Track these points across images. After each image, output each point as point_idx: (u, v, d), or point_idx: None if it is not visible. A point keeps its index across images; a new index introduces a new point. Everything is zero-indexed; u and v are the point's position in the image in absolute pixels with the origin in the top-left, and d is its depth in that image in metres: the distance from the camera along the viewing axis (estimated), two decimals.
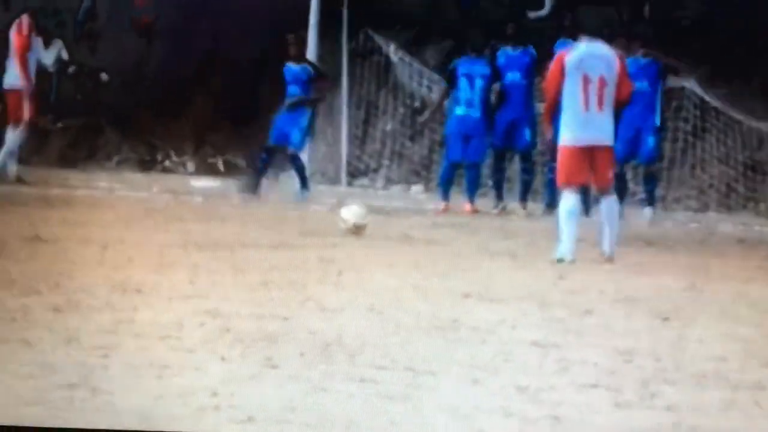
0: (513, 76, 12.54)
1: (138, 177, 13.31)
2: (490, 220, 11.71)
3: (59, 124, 14.09)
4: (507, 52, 12.68)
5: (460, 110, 12.53)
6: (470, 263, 8.67)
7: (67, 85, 13.67)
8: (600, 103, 8.62)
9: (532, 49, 12.65)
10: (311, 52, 14.13)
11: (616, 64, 8.76)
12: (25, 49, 12.89)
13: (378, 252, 9.04)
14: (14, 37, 12.92)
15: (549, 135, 9.26)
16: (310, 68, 13.01)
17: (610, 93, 8.67)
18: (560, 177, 8.75)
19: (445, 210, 12.26)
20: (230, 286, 7.40)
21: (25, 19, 13.02)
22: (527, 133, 12.48)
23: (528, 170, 12.61)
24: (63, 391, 4.85)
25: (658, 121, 12.27)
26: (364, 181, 14.82)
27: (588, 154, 8.66)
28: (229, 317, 6.46)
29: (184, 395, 4.94)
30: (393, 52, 14.46)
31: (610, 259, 8.71)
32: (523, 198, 12.55)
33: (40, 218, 9.72)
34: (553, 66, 8.82)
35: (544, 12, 15.26)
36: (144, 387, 5.03)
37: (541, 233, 9.59)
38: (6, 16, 15.06)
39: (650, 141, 12.20)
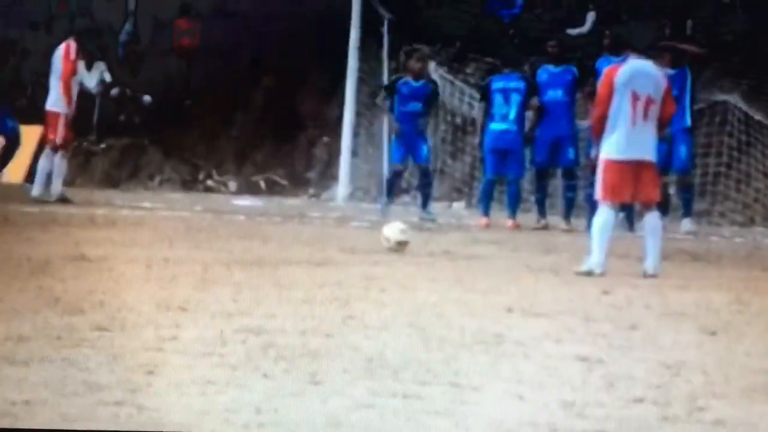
0: (555, 94, 12.52)
1: (180, 196, 13.39)
2: (532, 236, 11.67)
3: (102, 145, 14.21)
4: (549, 69, 12.66)
5: (495, 126, 12.54)
6: (512, 278, 8.63)
7: (110, 106, 13.76)
8: (646, 120, 8.74)
9: (573, 67, 12.64)
10: (352, 70, 14.18)
11: (663, 83, 8.92)
12: (71, 73, 13.00)
13: (420, 268, 9.03)
14: (62, 62, 13.02)
15: (596, 150, 9.28)
16: (431, 84, 12.97)
17: (655, 111, 8.79)
18: (603, 191, 8.79)
19: (486, 225, 12.24)
20: (273, 303, 7.40)
21: (72, 43, 13.11)
22: (570, 151, 12.45)
23: (571, 188, 12.56)
24: (108, 408, 4.86)
25: (688, 124, 12.22)
26: (406, 198, 14.84)
27: (634, 169, 8.74)
28: (273, 334, 6.45)
29: (228, 412, 4.93)
30: (434, 69, 14.48)
31: (654, 276, 8.70)
32: (567, 215, 12.50)
33: (84, 238, 9.78)
34: (602, 81, 8.95)
35: (584, 29, 15.24)
36: (188, 404, 5.03)
37: (584, 249, 9.51)
38: (48, 38, 15.25)
39: (683, 150, 12.16)
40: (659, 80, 8.89)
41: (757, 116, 13.78)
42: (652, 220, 8.82)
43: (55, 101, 12.99)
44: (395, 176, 12.94)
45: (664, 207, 12.40)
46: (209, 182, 15.38)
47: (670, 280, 8.66)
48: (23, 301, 7.02)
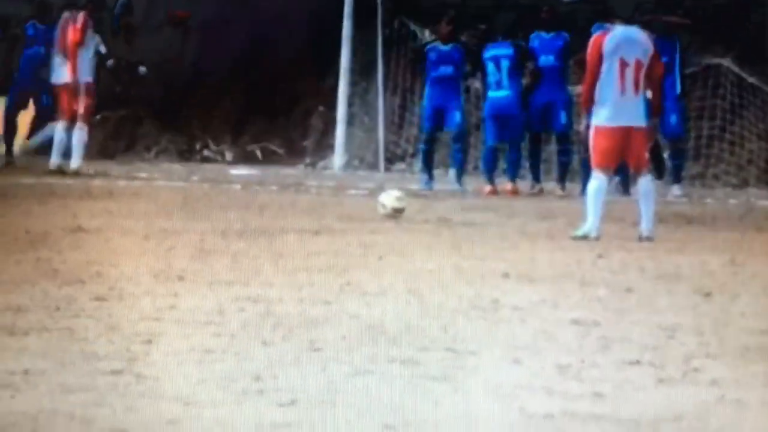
0: (547, 60, 12.54)
1: (177, 167, 13.40)
2: (528, 202, 11.70)
3: (98, 117, 14.19)
4: (541, 36, 12.69)
5: (492, 93, 12.57)
6: (509, 244, 8.69)
7: (106, 78, 13.73)
8: (636, 86, 8.85)
9: (565, 33, 12.65)
10: (346, 41, 14.16)
11: (650, 47, 9.00)
12: (77, 44, 12.90)
13: (417, 236, 9.07)
14: (69, 32, 12.93)
15: (587, 119, 9.30)
16: (461, 47, 12.78)
17: (643, 76, 8.88)
18: (596, 157, 8.90)
19: (492, 192, 12.28)
20: (271, 271, 7.43)
21: (80, 14, 13.03)
22: (563, 115, 12.48)
23: (565, 152, 12.60)
24: (107, 378, 4.90)
25: (678, 91, 12.27)
26: (402, 165, 14.86)
27: (624, 135, 8.85)
28: (271, 302, 6.49)
29: (227, 380, 4.97)
30: (428, 38, 14.46)
31: (649, 239, 8.76)
32: (561, 179, 12.54)
33: (82, 209, 9.82)
34: (590, 50, 9.04)
35: None
36: (187, 372, 5.07)
37: (580, 214, 9.55)
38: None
39: (674, 118, 12.23)
40: (647, 45, 8.99)
41: (750, 79, 13.82)
42: (645, 183, 8.93)
43: (59, 74, 12.95)
44: (429, 145, 12.69)
45: (659, 171, 12.50)
46: (206, 152, 15.37)
47: (666, 243, 8.71)
48: (22, 273, 7.06)
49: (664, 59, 12.13)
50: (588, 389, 5.06)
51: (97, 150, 14.64)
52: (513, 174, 12.50)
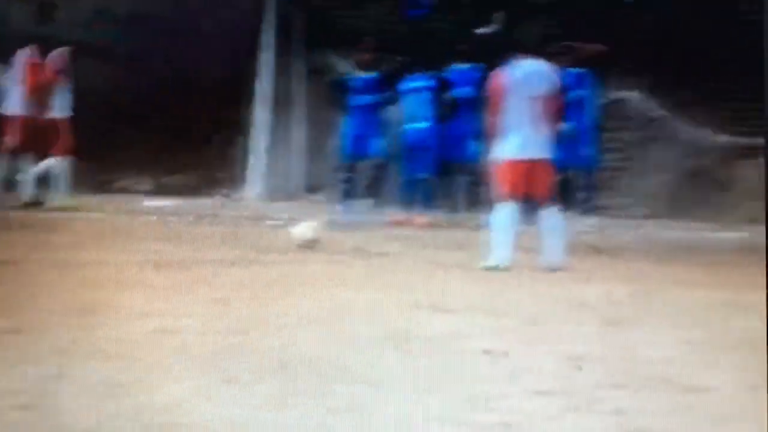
0: (463, 91, 12.69)
1: (94, 198, 13.30)
2: (440, 233, 11.81)
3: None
4: (458, 68, 12.86)
5: (408, 125, 12.66)
6: (422, 275, 8.78)
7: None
8: (541, 119, 8.92)
9: (482, 65, 12.83)
10: (266, 71, 14.21)
11: (556, 80, 9.10)
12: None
13: (332, 266, 9.14)
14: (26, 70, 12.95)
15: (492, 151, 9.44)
16: (381, 75, 12.71)
17: (549, 109, 8.98)
18: (500, 190, 8.96)
19: (407, 223, 12.38)
20: (186, 303, 7.44)
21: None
22: (476, 147, 12.60)
23: (476, 183, 12.72)
24: (15, 413, 4.88)
25: (594, 124, 12.50)
26: (319, 196, 14.91)
27: (529, 167, 8.92)
28: (186, 334, 6.51)
29: (139, 413, 4.99)
30: (345, 67, 14.56)
31: (559, 269, 8.90)
32: (472, 211, 12.68)
33: None
34: (492, 85, 9.11)
35: (491, 29, 15.46)
36: (98, 407, 5.07)
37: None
38: None
39: (588, 149, 12.43)
40: (551, 78, 9.05)
41: (657, 112, 14.13)
42: (550, 216, 8.99)
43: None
44: (349, 175, 12.69)
45: (568, 202, 12.68)
46: (123, 183, 15.28)
47: (574, 273, 8.86)
48: None
49: (579, 91, 12.43)
50: (497, 419, 5.16)
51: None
52: (427, 205, 12.62)
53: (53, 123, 13.01)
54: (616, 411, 5.36)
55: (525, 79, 8.94)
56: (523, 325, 6.98)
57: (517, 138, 8.87)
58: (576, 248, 9.87)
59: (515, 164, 8.90)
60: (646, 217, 13.67)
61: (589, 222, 12.33)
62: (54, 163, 12.95)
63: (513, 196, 8.93)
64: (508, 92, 8.90)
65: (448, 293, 7.97)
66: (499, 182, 9.00)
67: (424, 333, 6.68)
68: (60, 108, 13.07)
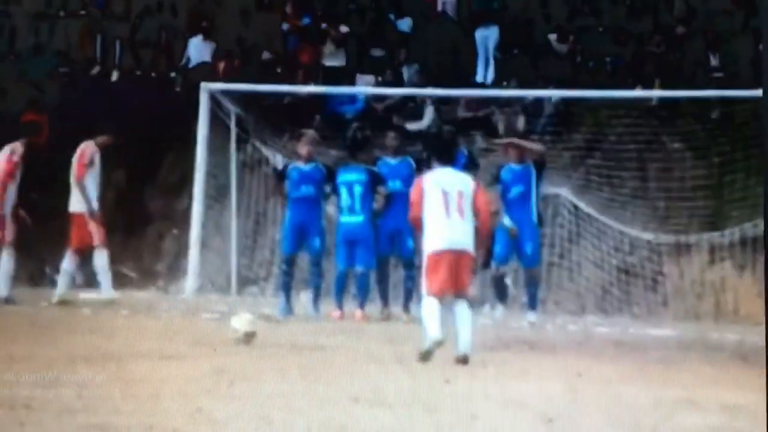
0: (394, 185, 12.80)
1: (26, 291, 13.17)
2: (376, 326, 11.83)
3: None
4: (387, 162, 13.00)
5: (344, 218, 12.72)
6: (358, 368, 8.78)
7: None
8: (460, 212, 9.29)
9: (410, 160, 12.99)
10: (200, 163, 14.26)
11: (471, 183, 9.49)
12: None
13: (268, 360, 9.11)
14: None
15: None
16: (320, 167, 12.69)
17: (468, 205, 9.32)
18: (431, 285, 9.18)
19: (341, 317, 12.36)
20: (119, 398, 7.37)
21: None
22: (409, 241, 12.68)
23: (411, 277, 12.76)
24: None
25: (535, 220, 12.65)
26: (254, 289, 14.89)
27: (453, 259, 9.19)
28: (119, 430, 6.45)
29: None
30: (280, 162, 14.65)
31: (465, 359, 9.01)
32: (406, 304, 12.72)
33: None
34: (414, 189, 9.55)
35: (423, 124, 15.72)
36: None
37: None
38: None
39: (529, 245, 12.55)
40: (465, 179, 9.49)
41: (587, 209, 14.37)
42: (461, 308, 9.15)
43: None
44: (288, 267, 12.59)
45: (502, 296, 12.79)
46: (55, 276, 15.12)
47: (509, 368, 8.92)
48: None
49: (520, 186, 12.58)
50: None
51: None
52: (363, 299, 12.65)
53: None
54: None
55: (441, 180, 9.38)
56: (460, 422, 6.99)
57: (439, 229, 9.20)
58: (512, 344, 9.95)
59: (440, 255, 9.17)
60: (577, 312, 13.79)
61: (531, 319, 12.38)
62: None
63: (440, 290, 9.15)
64: (428, 192, 9.33)
65: (385, 386, 7.98)
66: (426, 276, 9.24)
67: (361, 427, 6.69)
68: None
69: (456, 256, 9.16)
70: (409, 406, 7.38)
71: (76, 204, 12.96)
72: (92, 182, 12.95)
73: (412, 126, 15.66)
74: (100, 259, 12.80)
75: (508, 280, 12.93)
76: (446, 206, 9.24)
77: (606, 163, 14.51)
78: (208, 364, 8.76)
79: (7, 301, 12.68)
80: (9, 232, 12.97)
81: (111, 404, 7.17)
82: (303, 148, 12.85)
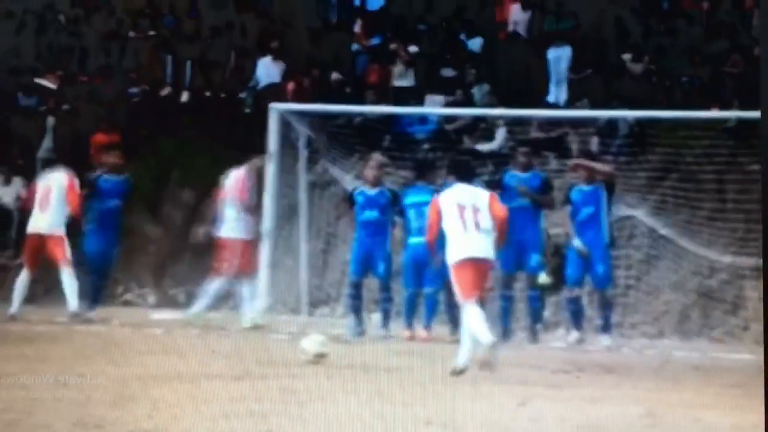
0: None
1: (98, 311, 13.24)
2: (449, 347, 11.74)
3: (18, 261, 14.05)
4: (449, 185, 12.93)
5: (411, 239, 12.65)
6: (431, 391, 8.68)
7: (27, 220, 13.64)
8: (476, 226, 9.65)
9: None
10: (270, 184, 14.29)
11: (486, 196, 9.90)
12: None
13: (339, 381, 9.04)
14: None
15: (438, 260, 10.11)
16: (386, 191, 12.74)
17: (484, 218, 9.69)
18: (465, 291, 9.53)
19: (411, 338, 12.30)
20: (190, 419, 7.35)
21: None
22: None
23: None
24: None
25: (606, 241, 12.47)
26: (325, 310, 14.85)
27: (475, 266, 9.58)
28: None
29: None
30: (349, 182, 14.64)
31: (462, 371, 9.28)
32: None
33: None
34: (431, 209, 9.94)
35: (494, 145, 15.61)
36: None
37: (501, 360, 9.61)
38: None
39: (601, 267, 12.38)
40: (480, 193, 9.89)
41: (663, 231, 14.16)
42: (474, 310, 9.46)
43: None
44: (356, 290, 12.57)
45: (577, 320, 12.62)
46: (128, 296, 15.25)
47: (585, 392, 8.78)
48: None
49: (590, 207, 12.44)
50: None
51: None
52: (429, 319, 12.56)
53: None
54: None
55: (457, 195, 9.78)
56: None
57: (458, 241, 9.61)
58: (586, 366, 9.79)
59: (464, 263, 9.55)
60: (655, 336, 13.59)
61: (606, 343, 12.19)
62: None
63: (476, 291, 9.56)
64: (445, 208, 9.73)
65: (458, 409, 7.87)
66: (459, 284, 9.60)
67: None
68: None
69: (476, 264, 9.56)
70: (483, 429, 7.25)
71: (233, 230, 12.89)
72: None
73: (483, 147, 15.55)
74: (251, 288, 12.78)
75: (583, 302, 12.75)
76: (463, 221, 9.63)
77: (683, 184, 14.27)
78: (278, 384, 8.71)
79: (81, 318, 12.71)
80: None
81: (182, 424, 7.14)
82: (369, 173, 12.85)
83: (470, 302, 9.44)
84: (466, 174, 10.03)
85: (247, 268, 12.88)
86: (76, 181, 13.14)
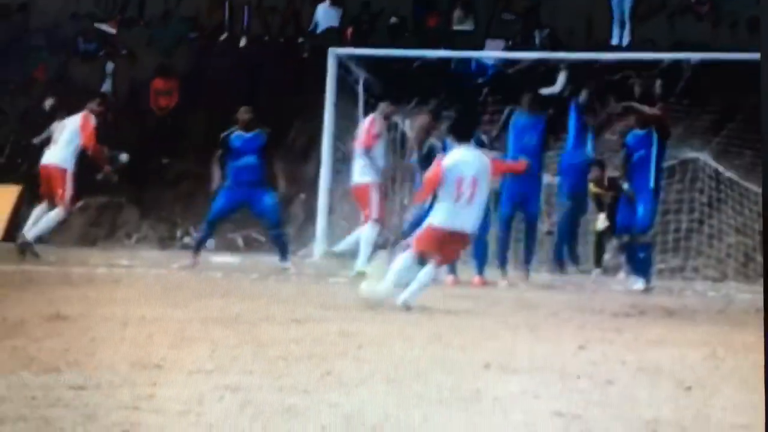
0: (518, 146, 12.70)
1: (157, 254, 13.35)
2: (506, 291, 11.70)
3: (79, 204, 14.18)
4: (521, 118, 12.87)
5: None
6: (489, 334, 8.65)
7: (87, 164, 13.75)
8: (471, 198, 9.82)
9: (543, 117, 12.84)
10: (328, 129, 14.26)
11: (485, 163, 9.97)
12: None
13: (397, 325, 9.03)
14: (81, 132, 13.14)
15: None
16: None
17: (481, 190, 9.87)
18: (419, 245, 9.79)
19: (455, 283, 12.26)
20: (250, 360, 7.38)
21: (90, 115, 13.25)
22: (534, 204, 12.59)
23: (533, 241, 12.67)
24: None
25: (652, 186, 12.33)
26: (382, 254, 14.82)
27: (448, 238, 9.79)
28: (250, 391, 6.45)
29: None
30: (409, 127, 14.56)
31: (407, 306, 9.60)
32: (527, 265, 12.59)
33: (60, 297, 9.74)
34: (433, 169, 10.00)
35: (555, 89, 15.42)
36: None
37: (561, 304, 9.57)
38: (25, 101, 15.25)
39: (641, 210, 12.26)
40: (481, 160, 9.96)
41: (728, 173, 13.95)
42: (429, 269, 9.76)
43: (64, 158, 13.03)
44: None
45: (641, 266, 12.50)
46: (186, 240, 15.31)
47: (646, 335, 8.70)
48: None
49: (641, 151, 12.30)
50: None
51: (78, 237, 14.62)
52: (480, 266, 12.48)
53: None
54: None
55: (458, 165, 9.85)
56: (595, 387, 6.82)
57: (448, 210, 9.78)
58: (647, 310, 9.71)
59: (440, 232, 9.74)
60: (718, 279, 13.45)
61: (638, 286, 12.08)
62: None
63: (425, 255, 9.74)
64: (445, 175, 9.82)
65: (517, 353, 7.83)
66: (420, 238, 9.77)
67: (494, 393, 6.55)
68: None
69: (451, 236, 9.78)
70: (543, 372, 7.22)
71: (358, 174, 12.88)
72: (380, 154, 13.00)
73: (545, 91, 15.38)
74: (372, 232, 12.84)
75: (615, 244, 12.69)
76: (458, 192, 9.78)
77: (748, 125, 14.04)
78: (336, 327, 8.72)
79: (23, 245, 12.75)
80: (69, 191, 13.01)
81: (242, 365, 7.17)
82: (415, 133, 12.83)
83: (411, 253, 9.69)
84: (466, 135, 10.09)
85: (373, 213, 12.88)
86: (92, 118, 13.23)
